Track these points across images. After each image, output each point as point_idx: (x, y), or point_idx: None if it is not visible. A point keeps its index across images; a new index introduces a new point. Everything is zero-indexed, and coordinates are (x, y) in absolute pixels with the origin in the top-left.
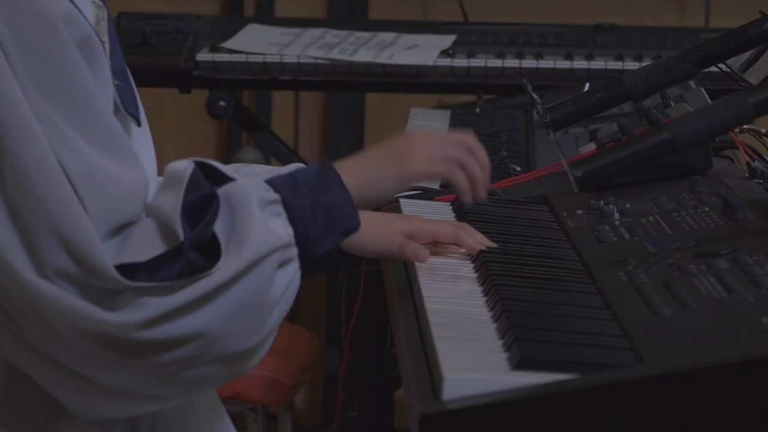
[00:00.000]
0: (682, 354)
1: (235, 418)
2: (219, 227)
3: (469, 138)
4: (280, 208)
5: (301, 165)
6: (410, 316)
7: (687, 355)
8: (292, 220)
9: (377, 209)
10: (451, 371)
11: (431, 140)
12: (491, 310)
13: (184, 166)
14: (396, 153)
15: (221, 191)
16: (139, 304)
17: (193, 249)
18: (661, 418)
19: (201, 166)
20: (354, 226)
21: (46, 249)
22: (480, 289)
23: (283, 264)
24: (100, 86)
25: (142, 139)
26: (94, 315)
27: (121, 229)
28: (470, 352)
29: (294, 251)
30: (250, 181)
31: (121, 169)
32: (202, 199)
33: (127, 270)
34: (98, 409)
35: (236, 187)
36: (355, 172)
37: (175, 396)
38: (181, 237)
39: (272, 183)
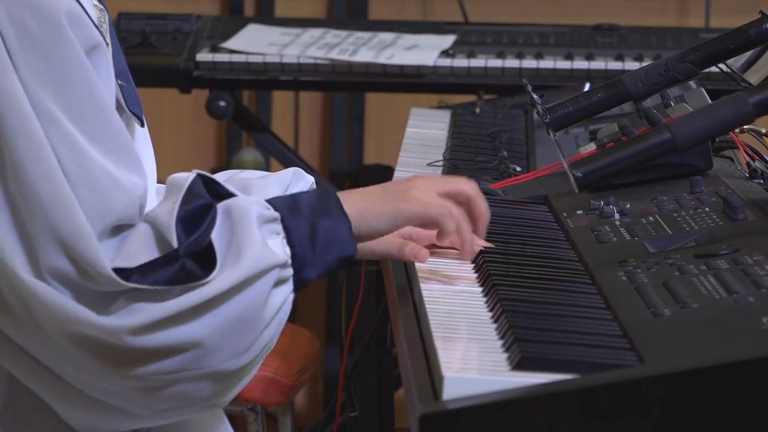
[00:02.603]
0: (682, 354)
1: (235, 418)
2: (217, 238)
3: (471, 188)
4: (279, 227)
5: (298, 169)
6: (410, 316)
7: (687, 355)
8: (290, 241)
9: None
10: (451, 371)
11: (432, 184)
12: (491, 310)
13: (185, 176)
14: (394, 192)
15: (222, 205)
16: (133, 309)
17: (188, 257)
18: (661, 418)
19: (203, 179)
20: (350, 253)
21: (43, 248)
22: (480, 289)
23: (278, 283)
24: (106, 87)
25: (144, 140)
26: (86, 318)
27: (117, 230)
28: (470, 352)
29: (290, 272)
30: (251, 198)
31: (119, 168)
32: (200, 208)
33: (122, 272)
34: (82, 421)
35: (237, 202)
36: (350, 203)
37: (157, 414)
38: (175, 244)
39: (272, 202)
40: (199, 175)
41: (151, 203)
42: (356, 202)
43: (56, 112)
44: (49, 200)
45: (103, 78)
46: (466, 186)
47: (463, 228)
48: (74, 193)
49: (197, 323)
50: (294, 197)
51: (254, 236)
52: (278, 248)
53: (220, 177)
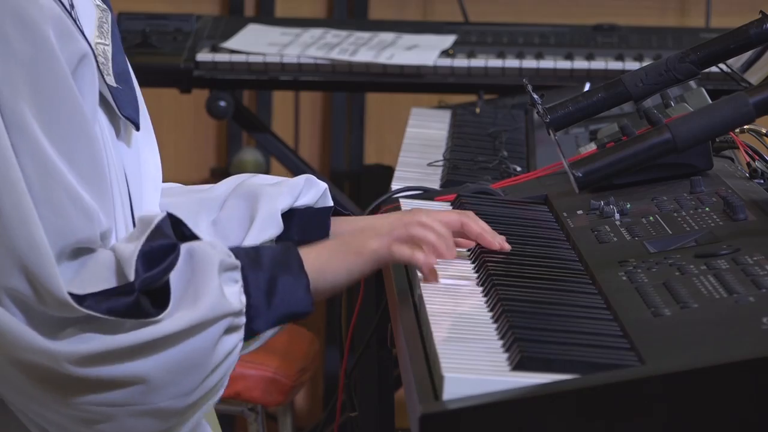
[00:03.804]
0: (682, 354)
1: (235, 418)
2: (175, 279)
3: (430, 220)
4: (238, 276)
5: (310, 176)
6: (410, 317)
7: (687, 355)
8: (247, 291)
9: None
10: (451, 371)
11: (385, 228)
12: (491, 310)
13: (154, 215)
14: (349, 246)
15: (186, 246)
16: (83, 338)
17: (143, 292)
18: (661, 418)
19: (171, 219)
20: (306, 310)
21: (1, 267)
22: (480, 289)
23: (229, 330)
24: (87, 105)
25: (143, 143)
26: (34, 343)
27: (76, 253)
28: (470, 352)
29: (243, 320)
30: (215, 244)
31: (86, 190)
32: (163, 247)
33: (76, 297)
34: None
35: (201, 246)
36: (309, 260)
37: None
38: (131, 277)
39: (235, 251)
40: (168, 215)
41: (151, 207)
42: (314, 259)
43: (30, 124)
44: (10, 217)
45: (87, 90)
46: (427, 219)
47: (436, 245)
48: (36, 211)
49: (145, 360)
50: (257, 249)
51: (213, 282)
52: (234, 297)
53: (232, 181)
